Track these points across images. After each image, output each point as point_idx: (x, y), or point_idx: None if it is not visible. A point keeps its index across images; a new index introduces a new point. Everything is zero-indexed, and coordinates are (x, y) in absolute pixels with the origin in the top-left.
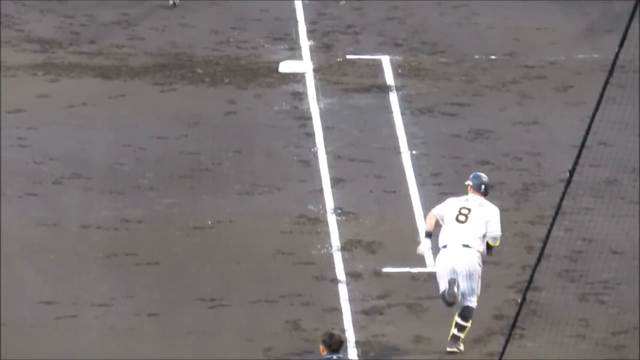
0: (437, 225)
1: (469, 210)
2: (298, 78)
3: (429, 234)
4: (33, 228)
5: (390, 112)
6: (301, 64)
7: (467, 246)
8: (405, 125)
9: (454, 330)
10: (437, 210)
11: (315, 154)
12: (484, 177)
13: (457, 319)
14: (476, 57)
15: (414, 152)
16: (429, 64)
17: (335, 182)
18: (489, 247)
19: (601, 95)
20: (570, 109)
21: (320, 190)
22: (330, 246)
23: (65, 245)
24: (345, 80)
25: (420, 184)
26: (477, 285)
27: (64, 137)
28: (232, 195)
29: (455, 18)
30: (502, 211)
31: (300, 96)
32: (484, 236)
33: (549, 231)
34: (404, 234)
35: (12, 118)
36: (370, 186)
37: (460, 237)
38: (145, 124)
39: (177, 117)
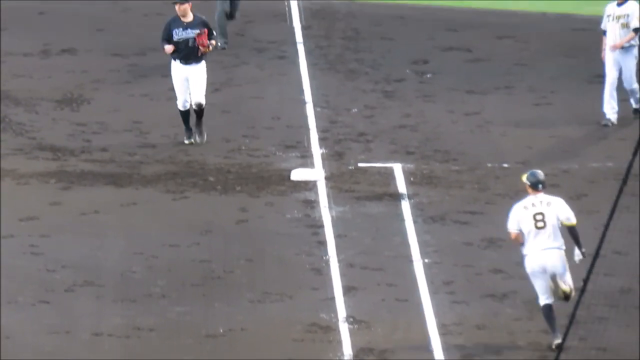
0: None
1: (542, 214)
2: (310, 186)
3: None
4: (45, 336)
5: (402, 220)
6: (313, 172)
7: (551, 248)
8: (418, 233)
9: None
10: (513, 227)
11: (327, 262)
12: (540, 174)
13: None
14: (489, 165)
15: (426, 260)
16: (441, 172)
17: (347, 290)
18: (573, 233)
19: (615, 204)
20: (584, 218)
21: (332, 299)
22: (343, 355)
23: (77, 353)
24: (357, 188)
25: (433, 292)
26: (567, 272)
27: (76, 245)
28: (243, 303)
29: (467, 126)
30: (515, 320)
31: (312, 204)
32: (560, 226)
33: (563, 340)
34: (416, 342)
35: (24, 225)
36: (382, 294)
37: (544, 241)
38: (157, 232)
39: (189, 225)
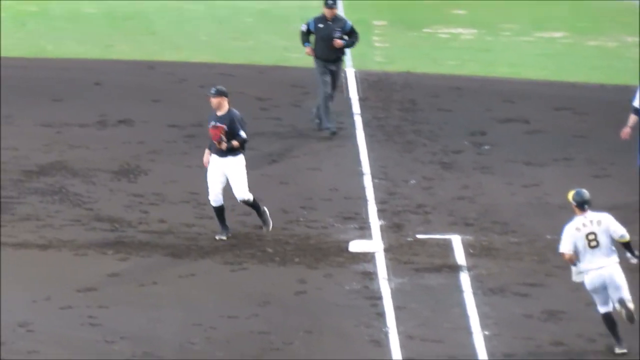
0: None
1: (595, 234)
2: (368, 258)
3: (575, 264)
4: None
5: (462, 291)
6: (371, 244)
7: (608, 265)
8: (477, 305)
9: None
10: (567, 248)
11: (386, 334)
12: (585, 194)
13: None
14: (548, 237)
15: (485, 332)
16: (500, 244)
17: None
18: (626, 245)
19: None
20: None
21: None
22: None
23: None
24: (416, 260)
25: None
26: (624, 284)
27: (135, 316)
28: None
29: (526, 198)
30: None
31: (371, 276)
32: (613, 241)
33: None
34: None
35: (82, 297)
36: None
37: (600, 259)
38: (216, 303)
39: (248, 296)
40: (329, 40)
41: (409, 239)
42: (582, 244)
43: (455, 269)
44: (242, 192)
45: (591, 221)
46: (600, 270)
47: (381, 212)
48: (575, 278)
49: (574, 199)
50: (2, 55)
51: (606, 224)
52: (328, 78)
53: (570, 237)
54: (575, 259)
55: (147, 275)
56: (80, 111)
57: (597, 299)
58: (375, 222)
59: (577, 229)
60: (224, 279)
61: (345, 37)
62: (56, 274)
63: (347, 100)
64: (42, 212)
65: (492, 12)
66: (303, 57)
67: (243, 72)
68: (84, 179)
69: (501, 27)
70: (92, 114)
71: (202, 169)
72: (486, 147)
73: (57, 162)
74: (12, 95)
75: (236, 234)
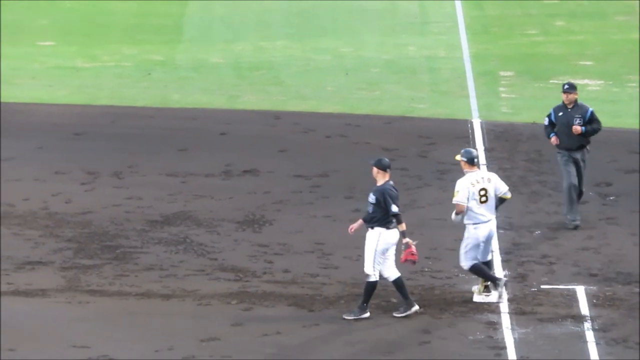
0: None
1: (486, 189)
2: (492, 308)
3: (459, 214)
4: None
5: (585, 342)
6: (495, 294)
7: (492, 220)
8: (600, 356)
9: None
10: (464, 201)
11: None
12: (473, 151)
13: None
14: None
15: None
16: (623, 294)
17: None
18: (502, 200)
19: None
20: None
21: None
22: None
23: None
24: (539, 310)
25: None
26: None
27: None
28: None
29: None
30: None
31: (495, 326)
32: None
33: None
34: None
35: (205, 346)
36: None
37: (486, 213)
38: (340, 353)
39: (372, 346)
40: (568, 127)
41: (533, 289)
42: (475, 198)
43: (578, 319)
44: (366, 266)
45: (482, 178)
46: (488, 223)
47: (506, 263)
48: (454, 219)
49: (463, 155)
50: (127, 104)
51: (494, 182)
52: (572, 168)
53: (466, 191)
54: (463, 210)
55: (270, 325)
56: (205, 161)
57: (474, 252)
58: (499, 272)
59: (472, 184)
60: (349, 329)
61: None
62: (179, 324)
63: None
64: (165, 261)
65: (618, 64)
66: (429, 108)
67: (369, 123)
68: (208, 229)
69: (627, 79)
70: (218, 163)
71: (328, 219)
72: (611, 197)
73: (182, 212)
74: (138, 145)
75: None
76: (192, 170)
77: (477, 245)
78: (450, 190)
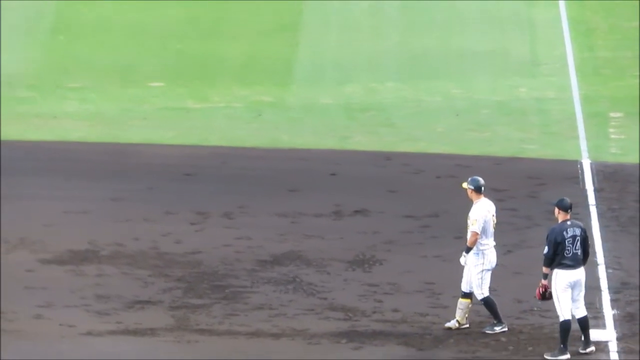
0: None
1: (494, 215)
2: (602, 346)
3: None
4: None
5: None
6: (605, 333)
7: (495, 245)
8: None
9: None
10: (479, 229)
11: None
12: (480, 179)
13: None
14: None
15: None
16: None
17: None
18: None
19: None
20: None
21: None
22: None
23: None
24: None
25: None
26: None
27: None
28: None
29: None
30: None
31: None
32: None
33: None
34: None
35: None
36: None
37: (493, 240)
38: None
39: None
40: None
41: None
42: (489, 225)
43: None
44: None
45: (490, 204)
46: (494, 249)
47: (615, 302)
48: (463, 261)
49: (471, 184)
50: (237, 145)
51: (494, 210)
52: None
53: (483, 219)
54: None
55: None
56: (315, 201)
57: (486, 280)
58: (608, 312)
59: (488, 211)
60: None
61: None
62: None
63: (583, 192)
64: (275, 301)
65: None
66: (539, 149)
67: (479, 164)
68: (318, 269)
69: None
70: (328, 204)
71: (438, 259)
72: None
73: (292, 252)
74: (248, 185)
75: (470, 323)
76: (302, 211)
77: (487, 272)
78: None
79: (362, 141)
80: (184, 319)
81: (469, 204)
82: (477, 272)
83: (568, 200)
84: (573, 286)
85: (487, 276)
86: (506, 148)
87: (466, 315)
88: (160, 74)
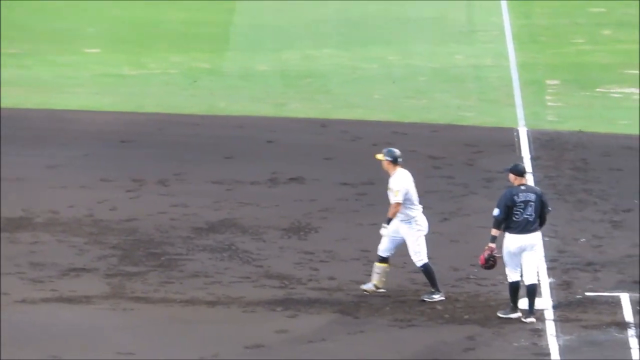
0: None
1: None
2: (537, 315)
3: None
4: None
5: (629, 348)
6: (541, 301)
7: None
8: None
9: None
10: (401, 199)
11: None
12: (397, 150)
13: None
14: None
15: None
16: None
17: None
18: None
19: None
20: None
21: None
22: None
23: None
24: (584, 317)
25: None
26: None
27: None
28: None
29: None
30: None
31: (539, 333)
32: None
33: None
34: None
35: (250, 353)
36: None
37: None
38: None
39: (417, 353)
40: None
41: (578, 297)
42: (413, 192)
43: (623, 326)
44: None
45: (407, 173)
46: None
47: (551, 270)
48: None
49: (388, 155)
50: (173, 112)
51: (411, 178)
52: None
53: (405, 189)
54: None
55: (316, 333)
56: (251, 169)
57: (424, 245)
58: (545, 280)
59: (408, 180)
60: (394, 337)
61: None
62: (224, 331)
63: (520, 160)
64: (211, 269)
65: None
66: (476, 116)
67: (417, 131)
68: (253, 237)
69: None
70: (264, 171)
71: (374, 227)
72: None
73: (227, 220)
74: (184, 153)
75: (406, 291)
76: (237, 178)
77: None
78: (496, 199)
79: (299, 108)
80: (120, 287)
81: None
82: (415, 238)
83: (522, 165)
84: (522, 251)
85: (424, 242)
86: (443, 115)
87: (383, 279)
88: (96, 40)
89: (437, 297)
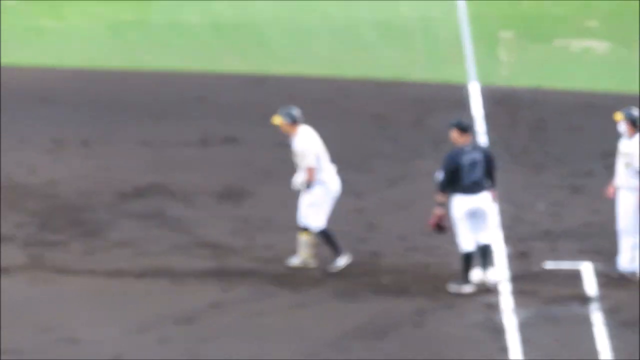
0: None
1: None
2: (492, 288)
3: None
4: None
5: (591, 324)
6: (494, 273)
7: None
8: (608, 339)
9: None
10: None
11: None
12: (295, 109)
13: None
14: None
15: None
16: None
17: None
18: None
19: None
20: None
21: None
22: None
23: None
24: (542, 290)
25: None
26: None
27: (239, 349)
28: None
29: None
30: None
31: (494, 307)
32: None
33: None
34: None
35: (181, 329)
36: None
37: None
38: (328, 336)
39: (363, 328)
40: None
41: (536, 268)
42: (322, 151)
43: (584, 300)
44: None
45: (311, 130)
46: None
47: (506, 240)
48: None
49: (286, 118)
50: (96, 66)
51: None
52: None
53: (313, 149)
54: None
55: (251, 306)
56: (181, 129)
57: (326, 208)
58: (500, 250)
59: (313, 138)
60: (337, 310)
61: None
62: (153, 305)
63: (471, 118)
64: (138, 237)
65: (627, 24)
66: (424, 72)
67: (360, 88)
68: (184, 202)
69: (636, 40)
70: (195, 132)
71: None
72: None
73: (156, 184)
74: (108, 111)
75: (350, 263)
76: (166, 139)
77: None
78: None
79: (233, 63)
80: (39, 257)
81: (346, 130)
82: (310, 201)
83: (466, 120)
84: (473, 214)
85: (326, 206)
86: (388, 71)
87: (313, 251)
88: None
89: (342, 262)
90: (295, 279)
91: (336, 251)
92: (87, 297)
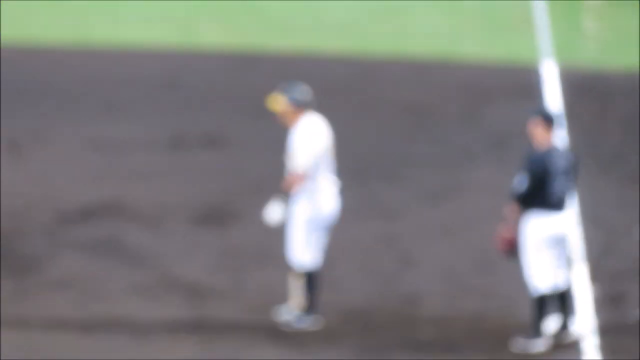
0: None
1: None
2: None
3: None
4: None
5: None
6: (577, 325)
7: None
8: None
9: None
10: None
11: None
12: (302, 87)
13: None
14: None
15: None
16: None
17: None
18: None
19: None
20: None
21: None
22: None
23: None
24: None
25: None
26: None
27: None
28: None
29: None
30: None
31: None
32: None
33: None
34: None
35: None
36: None
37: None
38: None
39: None
40: None
41: (631, 317)
42: (324, 156)
43: None
44: None
45: (321, 123)
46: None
47: (593, 277)
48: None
49: (292, 99)
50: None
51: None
52: None
53: (313, 150)
54: None
55: None
56: (145, 125)
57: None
58: (583, 292)
59: (320, 134)
60: None
61: None
62: None
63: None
64: (85, 275)
65: None
66: (480, 49)
67: (388, 69)
68: (148, 227)
69: None
70: (164, 129)
71: None
72: None
73: (109, 202)
74: (44, 101)
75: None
76: (125, 139)
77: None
78: (510, 166)
79: (215, 34)
80: None
81: (372, 126)
82: (299, 227)
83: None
84: (556, 241)
85: (316, 235)
86: (430, 46)
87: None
88: None
89: (307, 323)
90: (299, 333)
91: (309, 305)
92: (15, 357)
